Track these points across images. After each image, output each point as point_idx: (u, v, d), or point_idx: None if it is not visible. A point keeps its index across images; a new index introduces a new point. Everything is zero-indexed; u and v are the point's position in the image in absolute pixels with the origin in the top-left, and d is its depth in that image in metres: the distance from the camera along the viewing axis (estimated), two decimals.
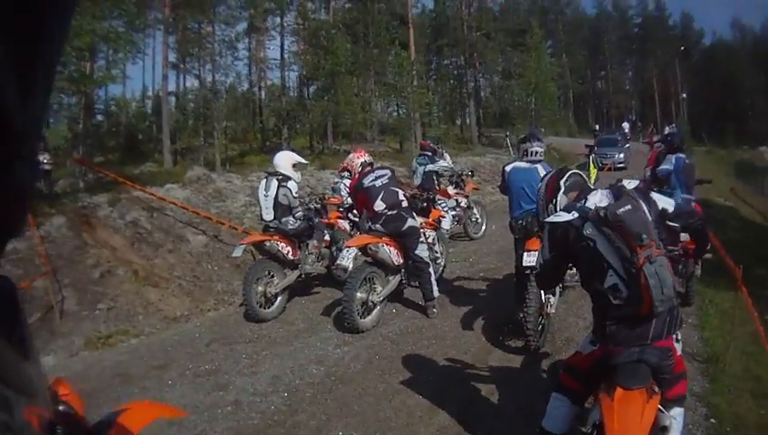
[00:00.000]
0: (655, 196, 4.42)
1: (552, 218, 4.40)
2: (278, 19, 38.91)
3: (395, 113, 48.70)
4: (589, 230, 4.07)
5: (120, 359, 9.60)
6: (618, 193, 4.21)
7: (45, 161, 17.61)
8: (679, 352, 4.21)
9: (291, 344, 9.25)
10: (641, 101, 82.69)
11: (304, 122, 34.16)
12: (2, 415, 0.88)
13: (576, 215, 4.20)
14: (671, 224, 4.39)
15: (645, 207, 4.15)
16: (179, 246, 14.88)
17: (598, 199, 4.22)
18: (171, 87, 34.40)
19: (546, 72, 48.60)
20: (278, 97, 36.36)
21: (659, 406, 4.01)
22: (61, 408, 2.50)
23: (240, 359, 8.81)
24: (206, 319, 11.75)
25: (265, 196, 10.89)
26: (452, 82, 59.91)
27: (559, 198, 4.52)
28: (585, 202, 4.24)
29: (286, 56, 40.95)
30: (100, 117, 29.83)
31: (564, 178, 4.57)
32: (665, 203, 4.36)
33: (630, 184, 4.36)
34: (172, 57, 33.64)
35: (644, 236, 3.91)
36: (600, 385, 4.13)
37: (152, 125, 38.72)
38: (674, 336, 4.14)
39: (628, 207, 4.05)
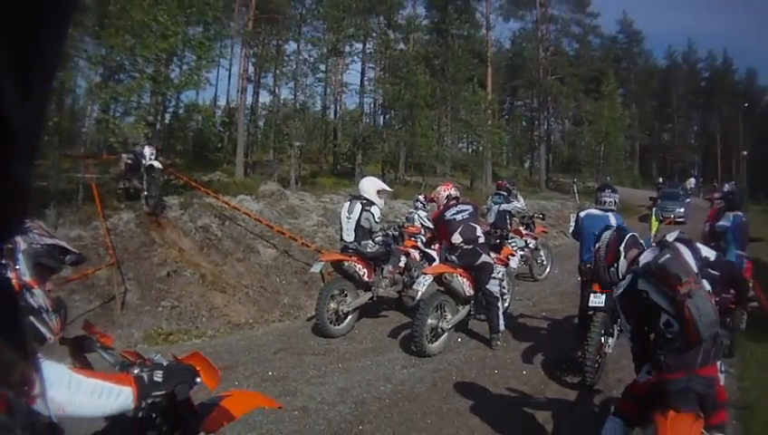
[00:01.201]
0: (699, 245, 5.19)
1: (616, 293, 5.14)
2: (360, 45, 39.57)
3: (464, 149, 49.22)
4: (642, 284, 4.77)
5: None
6: (661, 246, 4.93)
7: (153, 157, 16.36)
8: (722, 383, 4.89)
9: (359, 361, 9.81)
10: (704, 156, 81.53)
11: (378, 150, 34.74)
12: (2, 415, 1.02)
13: (630, 277, 4.96)
14: (712, 272, 5.04)
15: (685, 253, 4.85)
16: (249, 257, 15.62)
17: (646, 257, 4.93)
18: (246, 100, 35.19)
19: (617, 121, 48.67)
20: (355, 122, 37.05)
21: (703, 430, 4.64)
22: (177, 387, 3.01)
23: (308, 369, 9.37)
24: (271, 329, 12.42)
25: (348, 218, 11.53)
26: (524, 123, 60.32)
27: (620, 263, 5.19)
28: (639, 264, 4.95)
29: (366, 83, 41.75)
30: (168, 120, 30.64)
31: (624, 244, 5.25)
32: (707, 252, 5.11)
33: (672, 236, 5.14)
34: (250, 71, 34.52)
35: (681, 275, 4.57)
36: (655, 409, 4.73)
37: (221, 135, 39.62)
38: (718, 365, 4.81)
39: (668, 255, 4.74)
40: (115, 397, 2.63)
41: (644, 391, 4.95)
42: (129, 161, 16.19)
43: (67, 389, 2.48)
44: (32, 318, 2.91)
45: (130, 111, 20.30)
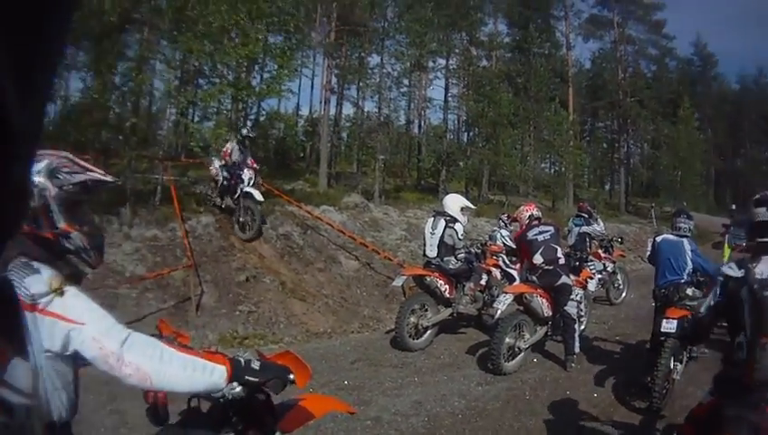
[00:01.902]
0: None
1: (726, 270, 4.91)
2: (443, 61, 39.54)
3: (546, 170, 48.88)
4: (744, 293, 4.58)
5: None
6: None
7: (252, 183, 15.24)
8: None
9: (435, 375, 9.90)
10: None
11: (462, 167, 34.79)
12: (1, 416, 1.01)
13: (742, 274, 4.69)
14: None
15: None
16: (330, 267, 15.78)
17: (763, 271, 4.62)
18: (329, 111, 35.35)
19: (694, 146, 47.91)
20: (439, 138, 37.11)
21: None
22: (260, 397, 3.08)
23: (384, 381, 9.50)
24: (349, 339, 12.54)
25: (432, 233, 11.65)
26: (605, 146, 59.57)
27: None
28: (756, 265, 4.66)
29: (450, 99, 41.73)
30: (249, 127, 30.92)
31: None
32: None
33: None
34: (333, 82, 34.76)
35: None
36: (711, 433, 4.58)
37: (304, 144, 39.97)
38: None
39: None
40: (209, 373, 2.65)
41: (704, 413, 4.84)
42: (225, 182, 15.54)
43: (159, 361, 2.52)
44: (71, 257, 2.82)
45: (210, 117, 20.59)
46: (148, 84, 18.74)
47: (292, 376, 2.97)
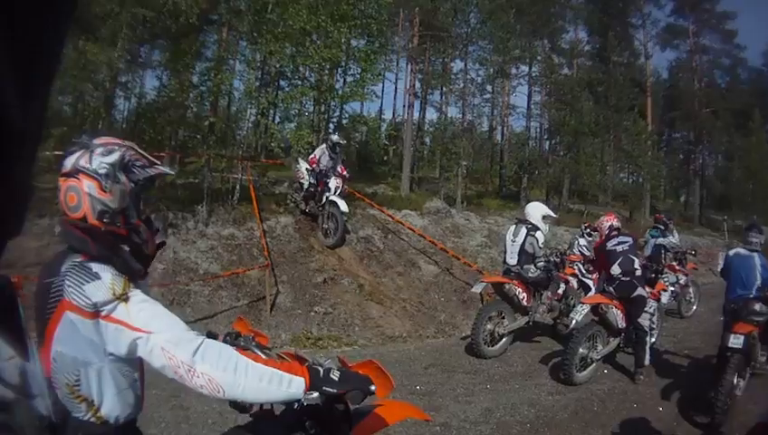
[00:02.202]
0: None
1: None
2: (526, 68, 39.33)
3: (624, 180, 48.33)
4: None
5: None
6: None
7: (338, 192, 15.14)
8: None
9: (507, 383, 9.92)
10: None
11: (543, 175, 34.69)
12: (1, 415, 1.02)
13: None
14: None
15: None
16: (410, 271, 15.85)
17: None
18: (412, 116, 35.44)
19: (765, 158, 46.72)
20: (522, 145, 36.99)
21: None
22: (339, 407, 3.06)
23: (456, 387, 9.51)
24: (424, 344, 12.56)
25: (513, 241, 11.69)
26: (681, 156, 58.51)
27: None
28: None
29: (532, 106, 41.52)
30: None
31: None
32: None
33: None
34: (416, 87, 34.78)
35: None
36: None
37: (387, 148, 40.05)
38: None
39: None
40: (286, 385, 2.60)
41: (762, 433, 4.75)
42: (311, 188, 15.49)
43: (233, 372, 2.49)
44: (127, 252, 2.71)
45: (292, 118, 20.76)
46: (227, 84, 18.85)
47: (373, 387, 2.88)
